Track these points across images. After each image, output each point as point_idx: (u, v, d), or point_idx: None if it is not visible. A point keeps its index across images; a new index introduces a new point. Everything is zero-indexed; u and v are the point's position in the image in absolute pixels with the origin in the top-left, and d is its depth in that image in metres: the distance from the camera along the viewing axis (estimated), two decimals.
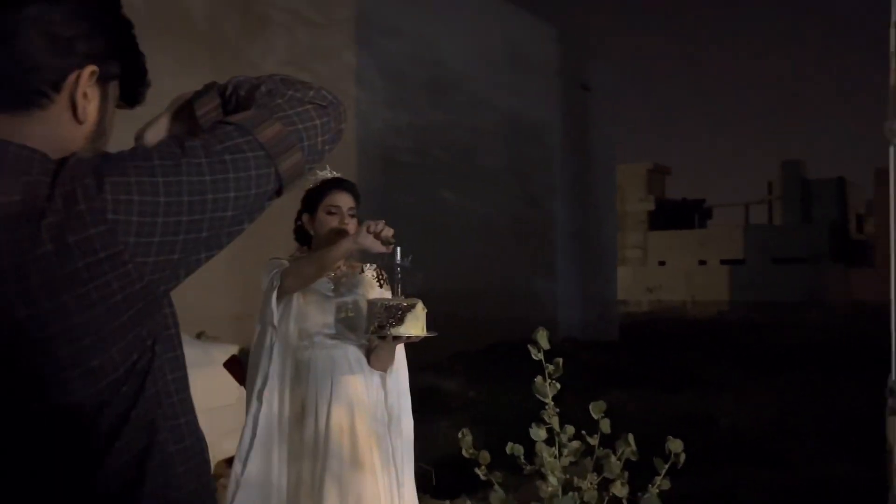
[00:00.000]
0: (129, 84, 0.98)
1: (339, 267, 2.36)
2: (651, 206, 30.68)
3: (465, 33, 11.65)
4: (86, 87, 0.89)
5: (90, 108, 0.91)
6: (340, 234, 2.24)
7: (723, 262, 28.47)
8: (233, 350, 4.40)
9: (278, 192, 0.93)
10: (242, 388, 4.24)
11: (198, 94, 1.03)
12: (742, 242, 28.52)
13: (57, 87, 0.88)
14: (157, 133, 1.03)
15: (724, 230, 29.97)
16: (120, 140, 1.01)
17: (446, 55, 11.35)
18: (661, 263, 29.72)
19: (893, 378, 2.86)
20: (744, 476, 4.78)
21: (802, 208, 29.53)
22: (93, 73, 0.90)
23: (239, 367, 4.26)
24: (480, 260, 11.36)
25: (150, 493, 0.84)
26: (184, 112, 1.04)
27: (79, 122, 0.90)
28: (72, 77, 0.88)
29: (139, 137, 1.05)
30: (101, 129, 0.94)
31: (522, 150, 12.69)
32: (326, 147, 0.97)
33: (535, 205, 12.92)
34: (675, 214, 31.22)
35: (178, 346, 0.92)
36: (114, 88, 0.96)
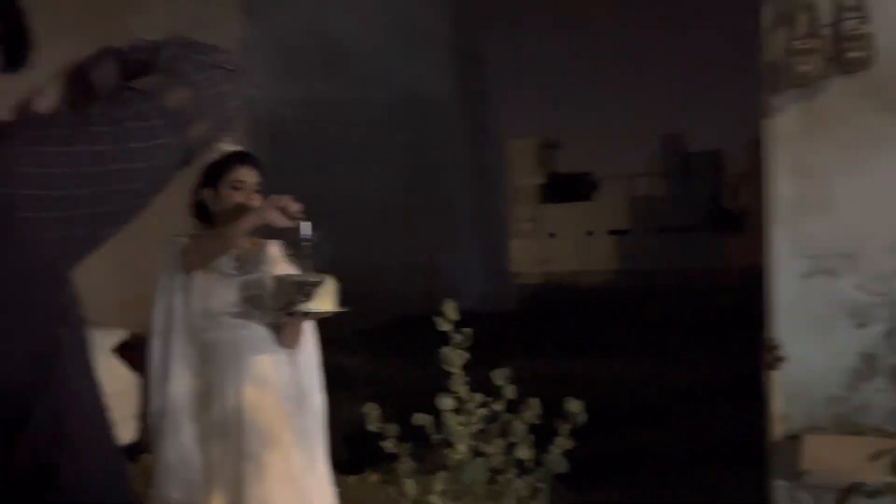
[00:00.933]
0: (12, 45, 0.90)
1: (242, 244, 2.30)
2: (541, 180, 31.45)
3: (357, 4, 11.46)
4: None
5: None
6: (246, 210, 2.17)
7: (610, 232, 29.61)
8: (122, 335, 4.22)
9: (187, 162, 0.88)
10: (135, 374, 4.09)
11: (91, 60, 0.96)
12: (627, 214, 29.73)
13: None
14: (46, 102, 0.96)
15: (611, 202, 31.13)
16: None
17: (338, 27, 11.15)
18: (552, 235, 30.59)
19: (769, 335, 3.07)
20: (637, 436, 5.03)
21: (682, 180, 31.02)
22: None
23: (131, 353, 4.09)
24: (377, 235, 11.32)
25: (66, 479, 0.80)
26: (75, 79, 0.97)
27: None
28: None
29: (23, 108, 0.98)
30: None
31: (417, 125, 12.68)
32: (235, 113, 0.93)
33: (431, 179, 12.98)
34: (564, 187, 32.13)
35: (83, 327, 0.87)
36: None
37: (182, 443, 2.15)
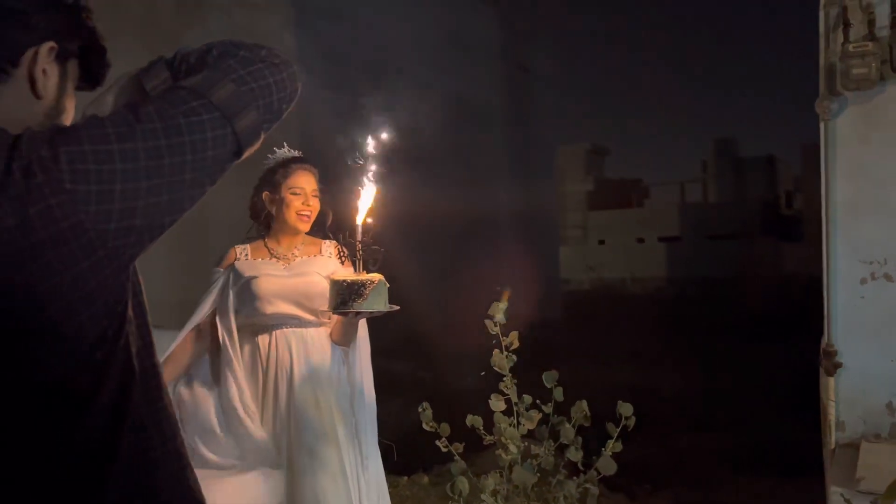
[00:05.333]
0: (89, 64, 0.98)
1: (295, 248, 2.39)
2: (590, 187, 31.19)
3: (404, 15, 11.59)
4: (45, 63, 0.90)
5: (49, 84, 0.91)
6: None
7: (660, 239, 29.15)
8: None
9: (237, 154, 0.93)
10: None
11: (144, 70, 1.02)
12: (678, 220, 29.24)
13: (14, 62, 0.88)
14: (102, 111, 1.02)
15: (661, 209, 30.66)
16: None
17: (386, 38, 11.29)
18: (601, 242, 30.27)
19: (826, 341, 3.02)
20: (690, 441, 4.97)
21: (735, 186, 30.41)
22: (51, 49, 0.90)
23: None
24: (424, 242, 11.39)
25: (127, 452, 0.87)
26: (129, 89, 1.04)
27: (37, 97, 0.90)
28: (30, 53, 0.89)
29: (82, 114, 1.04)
30: (60, 107, 0.94)
31: (464, 133, 12.73)
32: (283, 106, 0.98)
33: (477, 186, 13.00)
34: (613, 194, 31.80)
35: (146, 312, 0.94)
36: (73, 67, 0.96)
37: (242, 439, 2.22)
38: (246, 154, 0.95)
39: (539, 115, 15.08)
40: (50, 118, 0.92)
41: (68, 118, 0.97)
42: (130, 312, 0.89)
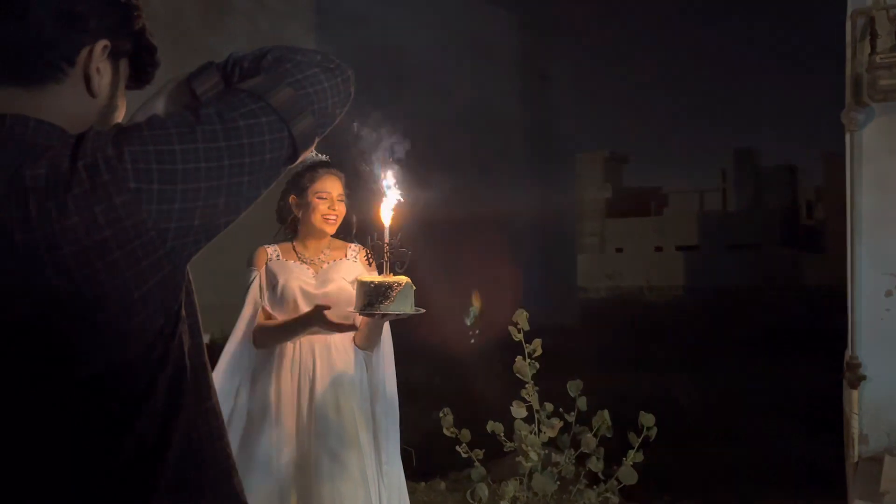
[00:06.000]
0: (140, 62, 0.99)
1: (322, 252, 2.40)
2: (608, 194, 31.12)
3: (425, 22, 11.64)
4: (99, 61, 0.91)
5: (103, 83, 0.92)
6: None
7: (678, 248, 29.00)
8: (206, 340, 4.38)
9: (293, 158, 0.94)
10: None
11: (194, 74, 1.02)
12: (697, 229, 29.08)
13: (70, 62, 0.89)
14: (156, 112, 1.02)
15: (680, 217, 30.51)
16: None
17: (408, 44, 11.34)
18: (619, 250, 30.17)
19: (850, 353, 3.00)
20: (708, 452, 4.93)
21: (754, 195, 30.21)
22: (105, 47, 0.91)
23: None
24: (441, 248, 11.40)
25: (177, 450, 0.88)
26: (179, 93, 1.03)
27: (92, 96, 0.92)
28: (84, 52, 0.90)
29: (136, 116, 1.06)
30: (113, 105, 0.96)
31: (483, 140, 12.75)
32: (337, 110, 0.98)
33: (495, 193, 13.00)
34: (631, 202, 31.68)
35: (197, 312, 0.94)
36: (124, 66, 0.97)
37: (270, 442, 2.24)
38: (300, 158, 0.95)
39: (558, 122, 15.06)
40: (103, 117, 0.94)
41: (120, 117, 0.98)
42: (183, 312, 0.90)
